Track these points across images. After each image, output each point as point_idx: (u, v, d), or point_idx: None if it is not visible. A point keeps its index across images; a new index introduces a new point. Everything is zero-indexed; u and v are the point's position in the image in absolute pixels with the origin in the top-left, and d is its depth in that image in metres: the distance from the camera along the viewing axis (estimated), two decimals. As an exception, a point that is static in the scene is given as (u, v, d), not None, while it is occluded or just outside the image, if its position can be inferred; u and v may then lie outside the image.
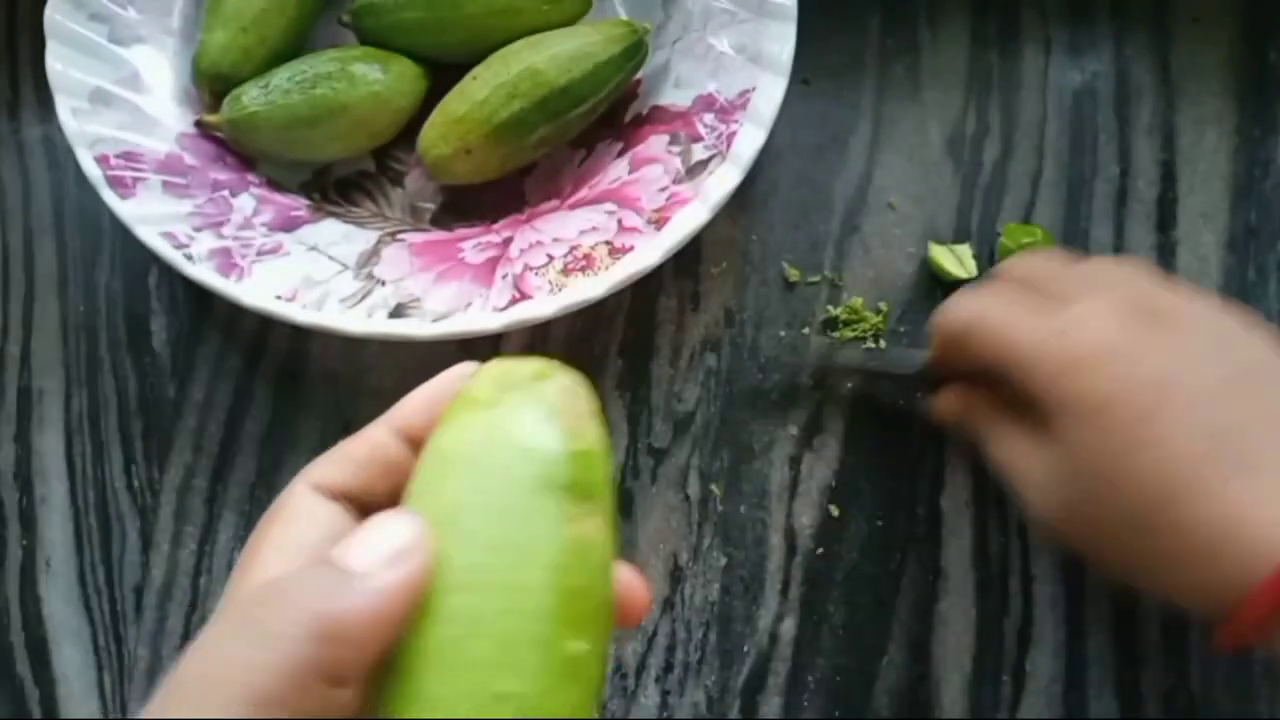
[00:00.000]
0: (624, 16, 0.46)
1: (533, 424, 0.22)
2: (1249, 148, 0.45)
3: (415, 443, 0.25)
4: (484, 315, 0.40)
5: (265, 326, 0.45)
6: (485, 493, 0.21)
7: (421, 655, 0.20)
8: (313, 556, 0.23)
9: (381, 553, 0.21)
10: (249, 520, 0.44)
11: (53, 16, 0.43)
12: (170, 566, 0.44)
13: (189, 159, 0.44)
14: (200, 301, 0.46)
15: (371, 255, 0.43)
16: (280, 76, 0.43)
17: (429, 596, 0.20)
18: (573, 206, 0.43)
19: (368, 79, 0.43)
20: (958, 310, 0.36)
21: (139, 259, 0.46)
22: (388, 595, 0.20)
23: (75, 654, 0.43)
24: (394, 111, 0.44)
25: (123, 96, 0.43)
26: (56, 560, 0.44)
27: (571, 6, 0.44)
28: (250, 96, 0.43)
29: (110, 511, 0.44)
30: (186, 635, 0.43)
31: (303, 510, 0.24)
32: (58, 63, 0.42)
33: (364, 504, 0.25)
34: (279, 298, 0.40)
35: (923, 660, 0.41)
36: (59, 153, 0.48)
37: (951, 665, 0.41)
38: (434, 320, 0.40)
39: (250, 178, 0.45)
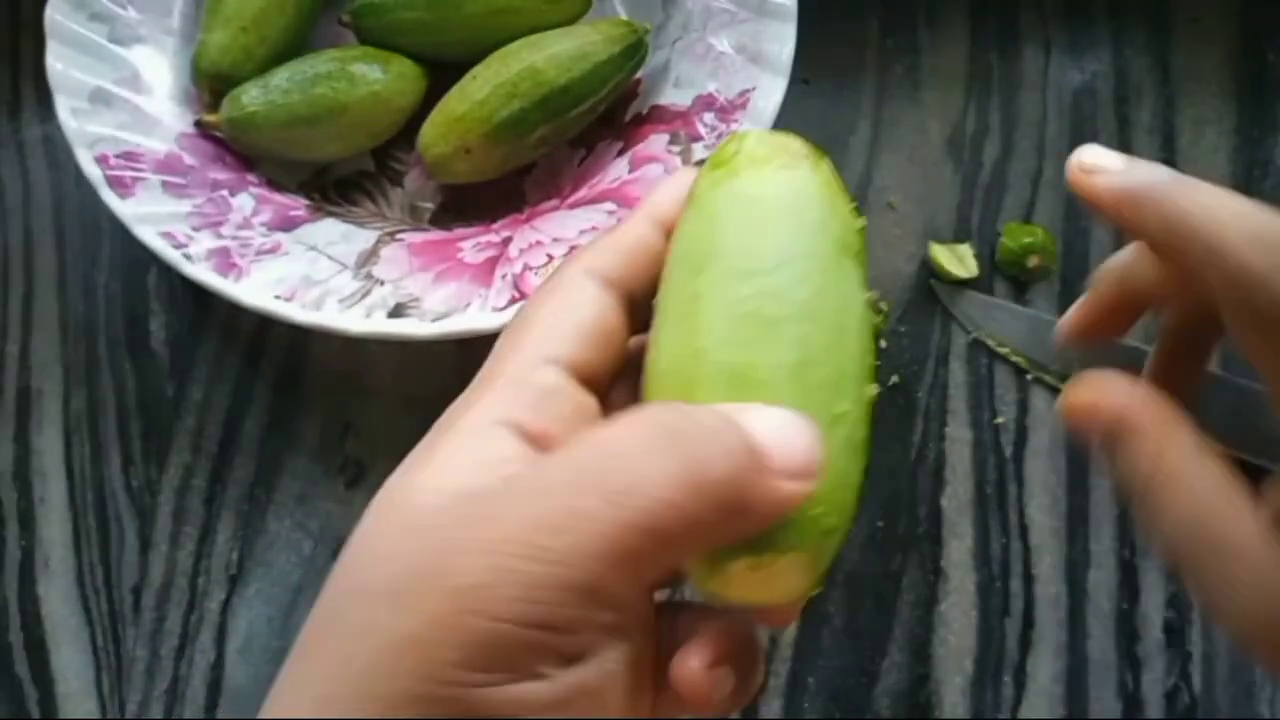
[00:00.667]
0: (624, 16, 0.46)
1: (830, 191, 0.24)
2: (1248, 148, 0.45)
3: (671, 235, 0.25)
4: (483, 315, 0.40)
5: (264, 326, 0.45)
6: (807, 242, 0.23)
7: (773, 372, 0.22)
8: (586, 340, 0.23)
9: (792, 457, 0.20)
10: (247, 520, 0.44)
11: (53, 16, 0.43)
12: (169, 567, 0.43)
13: (188, 159, 0.43)
14: (199, 301, 0.46)
15: (370, 255, 0.43)
16: (280, 76, 0.43)
17: (770, 321, 0.22)
18: (572, 206, 0.43)
19: (367, 79, 0.43)
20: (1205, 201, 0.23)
21: (138, 259, 0.46)
22: (779, 506, 0.20)
23: (74, 654, 0.43)
24: (393, 111, 0.44)
25: (123, 96, 0.43)
26: (55, 560, 0.44)
27: (571, 6, 0.44)
28: (250, 96, 0.43)
29: (109, 512, 0.44)
30: (185, 635, 0.43)
31: (579, 295, 0.24)
32: (58, 62, 0.42)
33: (628, 293, 0.24)
34: (278, 297, 0.40)
35: (923, 661, 0.41)
36: (59, 152, 0.48)
37: (952, 666, 0.41)
38: (433, 320, 0.40)
39: (249, 177, 0.45)
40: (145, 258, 0.46)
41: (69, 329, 0.46)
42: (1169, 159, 0.45)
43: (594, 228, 0.42)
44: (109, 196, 0.41)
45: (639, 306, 0.24)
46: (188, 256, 0.41)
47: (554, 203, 0.44)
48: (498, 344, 0.24)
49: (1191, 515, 0.22)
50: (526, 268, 0.41)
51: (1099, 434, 0.24)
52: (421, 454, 0.22)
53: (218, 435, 0.44)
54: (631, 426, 0.20)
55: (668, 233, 0.25)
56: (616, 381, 0.24)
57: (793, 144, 0.25)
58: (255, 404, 0.45)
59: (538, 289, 0.25)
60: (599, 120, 0.45)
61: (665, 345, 0.23)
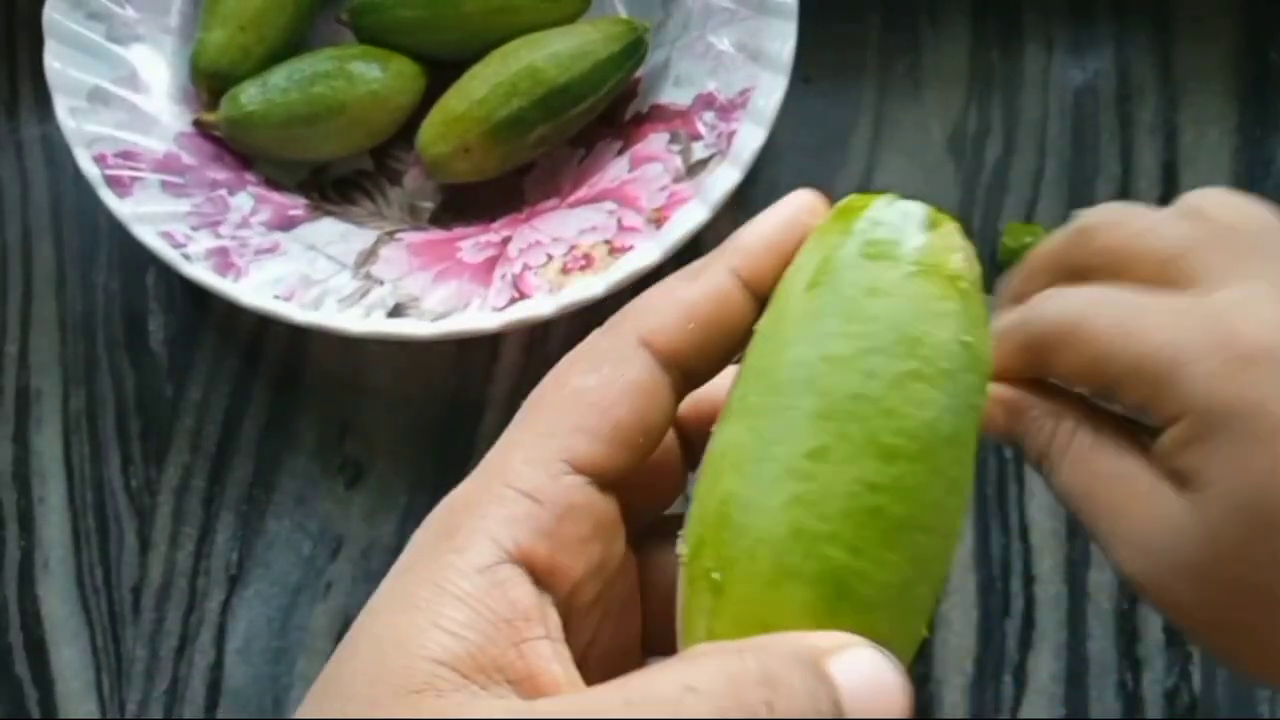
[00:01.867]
0: (623, 14, 0.46)
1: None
2: (1250, 147, 0.45)
3: (758, 293, 0.20)
4: (482, 315, 0.40)
5: (263, 326, 0.45)
6: (967, 418, 0.19)
7: (881, 592, 0.18)
8: (624, 440, 0.19)
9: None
10: (246, 520, 0.44)
11: (51, 15, 0.43)
12: (168, 567, 0.43)
13: (187, 158, 0.43)
14: (198, 301, 0.45)
15: (369, 254, 0.43)
16: (278, 75, 0.43)
17: (895, 526, 0.18)
18: (572, 205, 0.43)
19: (366, 78, 0.43)
20: (1048, 308, 0.26)
21: (136, 258, 0.46)
22: None
23: (73, 654, 0.43)
24: (392, 110, 0.44)
25: (121, 95, 0.43)
26: (54, 561, 0.44)
27: (570, 4, 0.44)
28: (248, 95, 0.43)
29: (108, 512, 0.44)
30: (184, 636, 0.43)
31: (626, 374, 0.19)
32: (56, 61, 0.42)
33: (687, 367, 0.20)
34: (277, 297, 0.40)
35: (924, 661, 0.41)
36: (57, 151, 0.48)
37: (952, 666, 0.41)
38: (432, 320, 0.40)
39: (248, 176, 0.44)
40: (144, 257, 0.46)
41: (67, 329, 0.46)
42: (1170, 158, 0.45)
43: (593, 227, 0.42)
44: (107, 196, 0.41)
45: (696, 378, 0.20)
46: (186, 256, 0.40)
47: (553, 202, 0.44)
48: (521, 412, 0.20)
49: (1089, 467, 0.24)
50: (526, 267, 0.41)
51: (1004, 424, 0.26)
52: (411, 590, 0.18)
53: (216, 435, 0.44)
54: (709, 698, 0.16)
55: (758, 291, 0.20)
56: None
57: (920, 211, 0.20)
58: (254, 404, 0.44)
59: (579, 348, 0.20)
60: (599, 119, 0.45)
61: (754, 493, 0.18)
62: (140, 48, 0.44)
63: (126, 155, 0.42)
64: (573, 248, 0.41)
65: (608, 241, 0.41)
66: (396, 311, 0.40)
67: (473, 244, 0.43)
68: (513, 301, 0.40)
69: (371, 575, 0.43)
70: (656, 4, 0.46)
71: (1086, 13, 0.46)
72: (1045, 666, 0.41)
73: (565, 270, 0.41)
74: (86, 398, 0.45)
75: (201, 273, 0.40)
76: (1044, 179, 0.45)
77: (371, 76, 0.43)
